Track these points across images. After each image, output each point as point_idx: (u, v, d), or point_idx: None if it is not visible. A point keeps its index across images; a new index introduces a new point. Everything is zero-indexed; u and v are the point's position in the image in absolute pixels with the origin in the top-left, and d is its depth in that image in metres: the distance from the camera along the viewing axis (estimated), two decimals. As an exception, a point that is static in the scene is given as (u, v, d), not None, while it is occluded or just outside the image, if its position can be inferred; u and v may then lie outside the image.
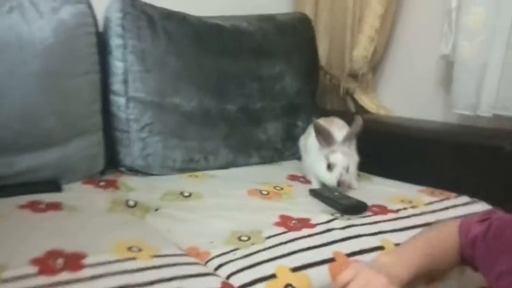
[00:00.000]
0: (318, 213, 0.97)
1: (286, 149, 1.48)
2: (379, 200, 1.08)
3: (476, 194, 1.12)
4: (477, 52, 1.19)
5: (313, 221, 0.92)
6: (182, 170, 1.26)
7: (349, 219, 0.94)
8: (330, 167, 1.09)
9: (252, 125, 1.41)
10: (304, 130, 1.51)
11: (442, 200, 1.09)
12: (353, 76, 1.71)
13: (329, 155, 1.09)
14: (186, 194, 1.08)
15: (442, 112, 1.51)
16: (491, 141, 1.13)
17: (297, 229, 0.88)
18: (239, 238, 0.84)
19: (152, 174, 1.23)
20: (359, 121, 1.13)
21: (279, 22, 1.50)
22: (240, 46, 1.38)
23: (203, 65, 1.32)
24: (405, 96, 1.66)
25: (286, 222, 0.91)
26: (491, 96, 1.15)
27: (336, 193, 1.07)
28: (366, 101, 1.72)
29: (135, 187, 1.12)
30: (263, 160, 1.43)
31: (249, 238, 0.84)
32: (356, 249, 0.81)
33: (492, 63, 1.15)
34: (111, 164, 1.22)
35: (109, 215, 0.93)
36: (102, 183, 1.12)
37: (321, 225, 0.90)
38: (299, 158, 1.52)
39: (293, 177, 1.29)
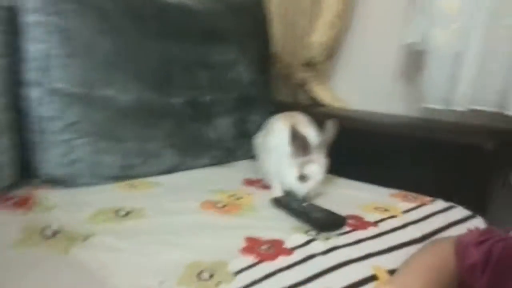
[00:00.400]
0: (290, 231, 0.81)
1: (239, 148, 1.30)
2: (350, 208, 0.94)
3: (451, 196, 1.02)
4: (451, 40, 1.08)
5: (287, 244, 0.75)
6: (117, 178, 1.04)
7: (328, 238, 0.79)
8: (303, 178, 0.95)
9: (201, 121, 1.21)
10: (258, 126, 1.34)
11: (418, 206, 0.98)
12: (308, 64, 1.56)
13: (304, 165, 0.94)
14: (123, 212, 0.86)
15: (404, 105, 1.41)
16: (470, 138, 1.04)
17: (271, 257, 0.70)
18: (199, 276, 0.65)
19: (78, 185, 0.99)
20: (333, 127, 0.98)
21: (230, 1, 1.30)
22: (187, 27, 1.17)
23: (143, 49, 1.09)
24: (362, 87, 1.54)
25: (255, 247, 0.74)
26: (468, 89, 1.05)
27: (304, 204, 0.92)
28: (320, 92, 1.58)
29: (56, 204, 0.88)
30: (213, 161, 1.24)
31: (212, 276, 0.65)
32: (347, 282, 0.66)
33: (469, 52, 1.05)
34: (24, 174, 0.96)
35: (18, 251, 0.70)
36: (10, 202, 0.87)
37: (299, 250, 0.73)
38: (252, 157, 1.35)
39: (250, 182, 1.12)
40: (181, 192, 1.01)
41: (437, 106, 1.13)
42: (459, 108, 1.07)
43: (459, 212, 0.96)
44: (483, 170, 0.99)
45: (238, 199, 0.98)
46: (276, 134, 1.04)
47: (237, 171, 1.23)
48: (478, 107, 1.04)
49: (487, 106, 1.03)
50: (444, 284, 0.68)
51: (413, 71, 1.34)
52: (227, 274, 0.66)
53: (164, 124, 1.14)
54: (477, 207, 0.99)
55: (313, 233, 0.80)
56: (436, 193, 1.05)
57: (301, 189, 0.95)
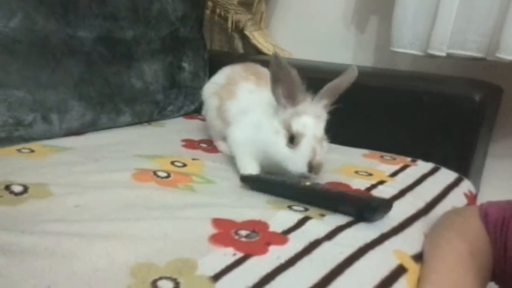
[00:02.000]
0: (268, 207, 0.59)
1: (170, 102, 1.03)
2: (325, 173, 0.75)
3: (428, 156, 0.88)
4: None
5: (274, 227, 0.53)
6: (2, 142, 0.72)
7: (322, 214, 0.58)
8: (293, 140, 0.63)
9: (120, 65, 0.91)
10: (192, 75, 1.08)
11: (402, 168, 0.82)
12: (245, 4, 1.32)
13: (290, 119, 0.63)
14: (17, 189, 0.56)
15: (360, 56, 1.24)
16: (453, 88, 0.89)
17: (259, 249, 0.48)
18: (154, 286, 0.40)
19: None
20: (353, 72, 0.69)
21: None
22: None
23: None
24: (306, 34, 1.34)
25: (231, 234, 0.50)
26: (446, 30, 0.90)
27: (308, 182, 0.62)
28: (259, 39, 1.35)
29: None
30: (138, 118, 0.96)
31: (177, 286, 0.41)
32: (376, 278, 0.46)
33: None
34: None
35: None
36: None
37: (294, 235, 0.51)
38: (186, 114, 1.10)
39: (190, 143, 0.88)
40: (99, 158, 0.72)
41: (412, 51, 0.96)
42: (437, 52, 0.91)
43: (447, 174, 0.82)
44: (469, 125, 0.86)
45: (183, 166, 0.73)
46: (241, 98, 0.76)
47: (170, 131, 0.96)
48: (459, 52, 0.90)
49: (469, 51, 0.89)
50: (483, 272, 0.52)
51: (372, 13, 1.17)
52: (200, 281, 0.42)
53: (69, 66, 0.82)
54: (460, 168, 0.86)
55: (299, 207, 0.59)
56: (409, 152, 0.91)
57: (295, 160, 0.62)
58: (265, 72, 0.80)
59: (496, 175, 1.06)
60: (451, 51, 0.91)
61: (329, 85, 0.67)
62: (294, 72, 0.63)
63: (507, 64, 0.86)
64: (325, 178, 0.71)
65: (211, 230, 0.51)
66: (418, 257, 0.53)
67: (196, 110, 1.11)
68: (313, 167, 0.62)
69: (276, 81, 0.65)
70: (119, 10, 0.89)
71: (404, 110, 0.93)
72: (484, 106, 0.85)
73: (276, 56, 0.62)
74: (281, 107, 0.65)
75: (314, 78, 1.04)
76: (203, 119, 1.00)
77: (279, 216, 0.56)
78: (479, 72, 0.99)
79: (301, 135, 0.62)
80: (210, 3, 1.35)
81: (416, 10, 0.94)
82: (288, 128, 0.64)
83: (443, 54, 0.91)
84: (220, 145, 0.84)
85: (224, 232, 0.50)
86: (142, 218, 0.52)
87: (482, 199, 1.04)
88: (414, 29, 0.95)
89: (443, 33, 0.90)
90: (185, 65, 1.06)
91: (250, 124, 0.70)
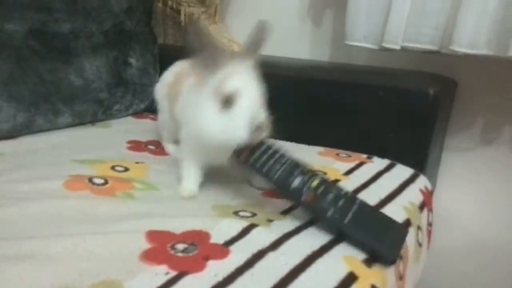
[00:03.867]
0: (213, 214, 0.54)
1: (116, 100, 0.96)
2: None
3: (384, 152, 0.86)
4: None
5: (216, 238, 0.48)
6: None
7: (269, 219, 0.54)
8: (227, 104, 0.52)
9: (56, 60, 0.84)
10: (140, 71, 1.02)
11: (357, 166, 0.79)
12: (197, -4, 1.26)
13: (221, 83, 0.53)
14: None
15: (314, 50, 1.20)
16: (411, 83, 0.87)
17: (196, 265, 0.43)
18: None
19: None
20: (261, 24, 0.61)
21: None
22: None
23: None
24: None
25: (165, 249, 0.45)
26: (400, 23, 0.87)
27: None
28: (214, 34, 1.29)
29: None
30: (79, 119, 0.89)
31: (97, 315, 0.36)
32: (323, 292, 0.43)
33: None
34: None
35: None
36: None
37: (237, 246, 0.47)
38: (135, 114, 1.03)
39: (136, 145, 0.82)
40: (30, 165, 0.66)
41: (363, 44, 0.94)
42: (391, 45, 0.89)
43: (402, 170, 0.80)
44: (424, 120, 0.84)
45: (124, 170, 0.67)
46: (185, 95, 0.66)
47: (115, 132, 0.90)
48: (413, 45, 0.88)
49: (423, 44, 0.87)
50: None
51: (328, 7, 1.14)
52: (126, 309, 0.37)
53: (-3, 63, 0.75)
54: (416, 163, 0.84)
55: (247, 213, 0.55)
56: (365, 148, 0.89)
57: (231, 123, 0.51)
58: None
59: (452, 169, 1.06)
60: (405, 44, 0.88)
61: (245, 44, 0.60)
62: (214, 41, 0.57)
63: (461, 57, 0.85)
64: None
65: (145, 245, 0.46)
66: (370, 261, 0.50)
67: (147, 109, 1.05)
68: (256, 126, 0.51)
69: (197, 50, 0.54)
70: (54, 0, 0.82)
71: (359, 105, 0.90)
72: (439, 100, 0.83)
73: (194, 25, 0.55)
74: (209, 75, 0.54)
75: (270, 73, 1.02)
76: (154, 119, 0.95)
77: (223, 224, 0.51)
78: (434, 66, 0.98)
79: (236, 95, 0.52)
80: (160, -5, 1.28)
81: (370, 3, 0.91)
82: (219, 90, 0.52)
83: (397, 47, 0.89)
84: (169, 147, 0.79)
85: (159, 247, 0.46)
86: (67, 233, 0.47)
87: (439, 192, 1.04)
88: (368, 23, 0.92)
89: (397, 26, 0.88)
90: (132, 60, 0.99)
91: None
